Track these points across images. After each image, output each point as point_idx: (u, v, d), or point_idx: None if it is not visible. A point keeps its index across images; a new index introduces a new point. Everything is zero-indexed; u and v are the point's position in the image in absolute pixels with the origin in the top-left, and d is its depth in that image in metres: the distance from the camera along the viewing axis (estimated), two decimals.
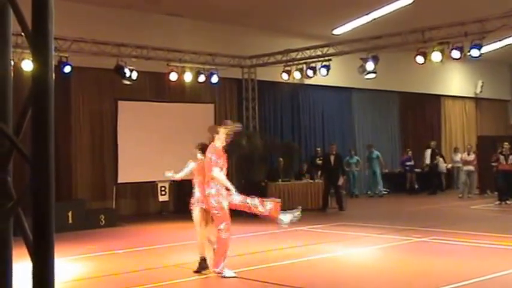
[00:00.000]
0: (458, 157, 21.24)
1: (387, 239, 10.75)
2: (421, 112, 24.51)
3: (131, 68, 14.91)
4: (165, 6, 15.92)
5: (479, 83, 25.47)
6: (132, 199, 16.59)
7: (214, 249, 8.00)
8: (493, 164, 17.32)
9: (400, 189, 21.20)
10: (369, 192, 21.27)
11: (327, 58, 16.61)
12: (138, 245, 10.72)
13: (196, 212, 8.16)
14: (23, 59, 12.50)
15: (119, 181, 15.08)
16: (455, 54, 14.07)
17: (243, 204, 7.81)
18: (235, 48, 17.73)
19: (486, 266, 8.06)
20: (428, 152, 21.60)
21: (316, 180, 16.90)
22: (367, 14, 16.71)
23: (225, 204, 7.69)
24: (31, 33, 2.12)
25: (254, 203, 7.80)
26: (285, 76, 17.49)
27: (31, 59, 2.20)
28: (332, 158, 16.66)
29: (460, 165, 20.54)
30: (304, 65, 16.97)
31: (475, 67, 24.50)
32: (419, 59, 14.70)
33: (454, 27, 14.05)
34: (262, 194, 14.82)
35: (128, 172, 15.02)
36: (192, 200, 8.24)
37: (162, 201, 15.71)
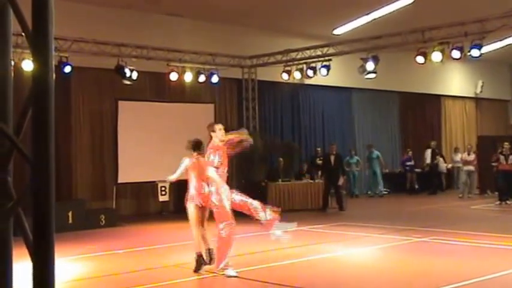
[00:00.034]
0: (458, 157, 21.22)
1: (387, 239, 10.75)
2: (421, 112, 24.49)
3: (131, 68, 14.92)
4: (165, 6, 15.92)
5: (480, 83, 25.46)
6: (132, 199, 16.59)
7: (210, 249, 8.01)
8: (493, 164, 17.31)
9: (400, 189, 21.20)
10: (369, 192, 21.26)
11: (327, 58, 16.61)
12: (138, 245, 10.72)
13: (191, 209, 8.16)
14: (23, 59, 12.50)
15: (119, 181, 15.09)
16: (456, 54, 14.07)
17: (244, 204, 7.81)
18: (235, 48, 17.73)
19: (486, 266, 8.06)
20: (429, 152, 21.59)
21: (316, 180, 16.90)
22: (367, 14, 16.71)
23: (227, 204, 7.70)
24: (31, 33, 2.12)
25: (255, 206, 7.80)
26: (285, 76, 17.48)
27: (31, 59, 2.20)
28: (332, 158, 16.65)
29: (460, 165, 20.51)
30: (304, 65, 16.97)
31: (475, 67, 24.49)
32: (420, 59, 14.69)
33: (454, 27, 14.05)
34: (262, 194, 14.85)
35: (128, 172, 15.03)
36: (187, 196, 8.24)
37: (162, 201, 15.70)
